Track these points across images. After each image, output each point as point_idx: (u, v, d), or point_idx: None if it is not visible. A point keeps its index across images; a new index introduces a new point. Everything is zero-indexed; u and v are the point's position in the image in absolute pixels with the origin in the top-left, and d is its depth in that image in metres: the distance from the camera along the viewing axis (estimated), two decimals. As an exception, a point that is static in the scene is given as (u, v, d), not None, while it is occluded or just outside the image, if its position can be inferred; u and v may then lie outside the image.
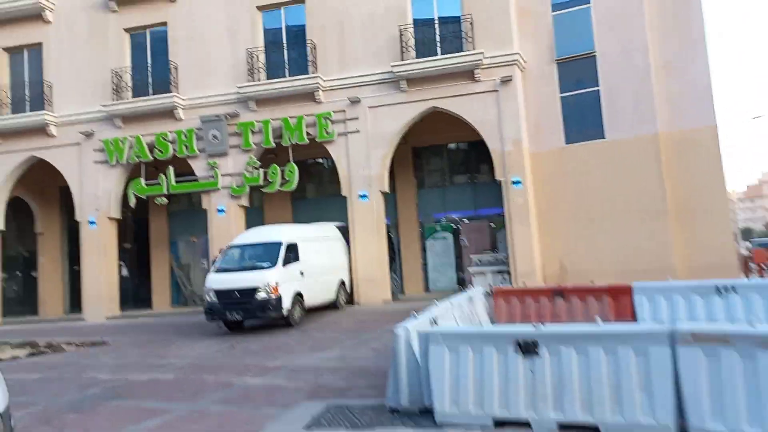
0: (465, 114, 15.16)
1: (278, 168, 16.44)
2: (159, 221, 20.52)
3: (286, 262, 12.32)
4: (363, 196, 15.72)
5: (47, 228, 21.67)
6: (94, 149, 18.14)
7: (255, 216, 18.00)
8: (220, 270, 12.54)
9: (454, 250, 17.36)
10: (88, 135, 18.13)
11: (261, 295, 11.71)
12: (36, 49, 19.26)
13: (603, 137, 15.16)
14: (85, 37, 18.57)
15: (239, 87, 16.56)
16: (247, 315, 11.92)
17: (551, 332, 4.66)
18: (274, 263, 12.14)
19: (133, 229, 21.58)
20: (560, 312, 8.06)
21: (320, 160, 19.23)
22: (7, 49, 19.52)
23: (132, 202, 17.83)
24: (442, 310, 6.50)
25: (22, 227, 22.62)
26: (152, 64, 18.19)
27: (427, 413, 5.11)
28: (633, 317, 7.77)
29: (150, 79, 18.13)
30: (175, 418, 6.19)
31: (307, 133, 16.21)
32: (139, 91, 18.04)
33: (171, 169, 17.42)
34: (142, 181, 17.66)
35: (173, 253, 20.58)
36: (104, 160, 18.00)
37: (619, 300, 7.95)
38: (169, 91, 17.47)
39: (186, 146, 17.15)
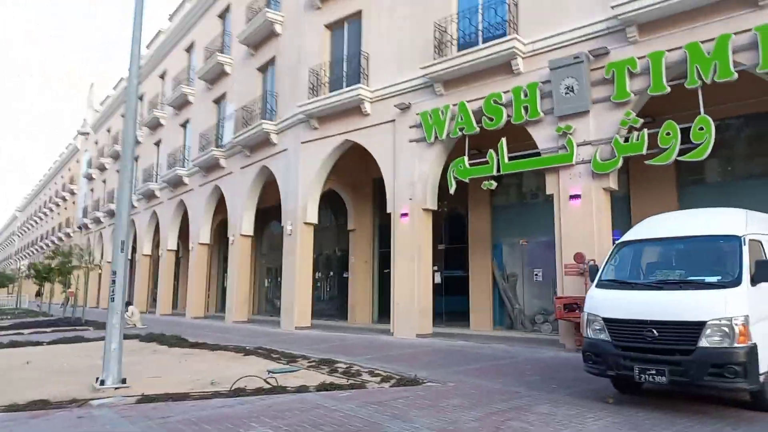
0: None
1: (676, 126, 10.10)
2: (480, 217, 16.17)
3: (757, 277, 6.00)
4: None
5: (359, 224, 19.48)
6: (410, 125, 14.68)
7: (618, 207, 12.05)
8: (609, 284, 6.85)
9: None
10: (404, 108, 14.78)
11: (712, 338, 5.64)
12: (355, 19, 17.01)
13: None
14: (405, -9, 15.40)
15: (614, 6, 10.84)
16: (675, 377, 5.90)
17: None
18: (733, 278, 5.94)
19: (449, 226, 17.76)
20: None
21: (737, 118, 12.18)
22: (328, 26, 17.83)
23: (452, 188, 13.69)
24: None
25: (337, 223, 21.09)
26: (483, 3, 13.85)
27: None
28: None
29: (479, 25, 13.82)
30: None
31: (735, 63, 9.54)
32: (467, 44, 13.90)
33: (503, 142, 12.70)
34: (466, 159, 13.37)
35: (496, 259, 15.95)
36: (421, 138, 14.35)
37: None
38: (504, 35, 12.85)
39: (525, 108, 12.20)
